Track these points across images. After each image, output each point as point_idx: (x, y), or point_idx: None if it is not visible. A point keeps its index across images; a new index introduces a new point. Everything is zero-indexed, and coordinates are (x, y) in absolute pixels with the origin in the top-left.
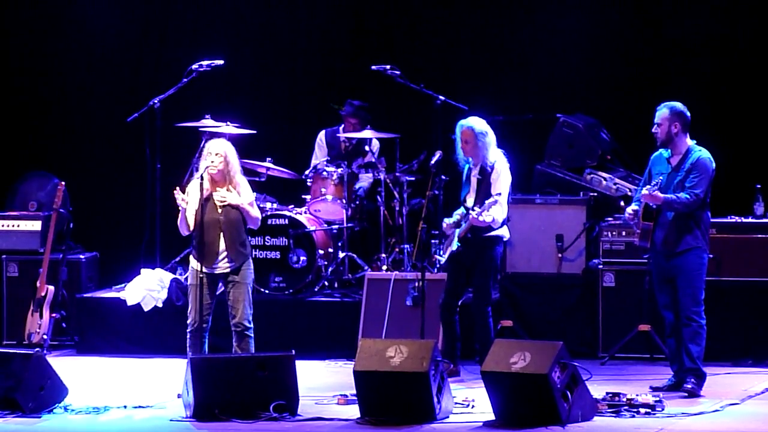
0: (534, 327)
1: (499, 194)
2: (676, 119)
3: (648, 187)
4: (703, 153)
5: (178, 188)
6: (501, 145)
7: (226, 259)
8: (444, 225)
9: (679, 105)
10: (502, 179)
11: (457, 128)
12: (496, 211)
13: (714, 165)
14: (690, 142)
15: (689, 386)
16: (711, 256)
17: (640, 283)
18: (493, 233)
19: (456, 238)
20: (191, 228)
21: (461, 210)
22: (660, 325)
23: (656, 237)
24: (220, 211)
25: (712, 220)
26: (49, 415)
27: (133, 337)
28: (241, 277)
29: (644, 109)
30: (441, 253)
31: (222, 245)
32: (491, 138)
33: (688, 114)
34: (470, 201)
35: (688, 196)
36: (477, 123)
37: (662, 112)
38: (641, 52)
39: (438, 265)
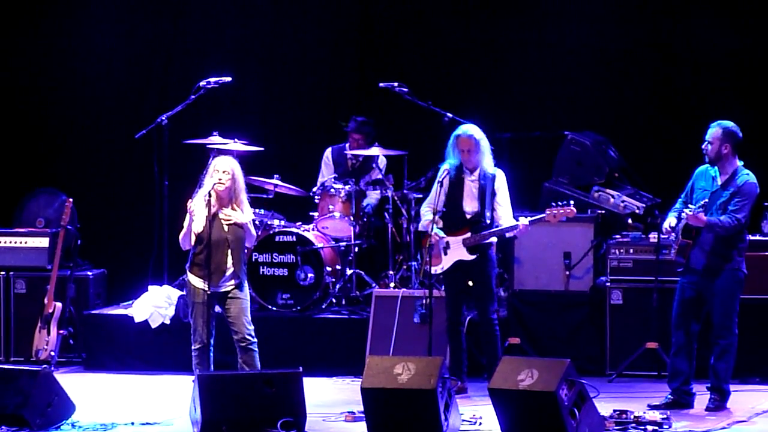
0: (541, 344)
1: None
2: (727, 140)
3: (693, 207)
4: (750, 177)
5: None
6: (509, 162)
7: (232, 278)
8: (437, 238)
9: (731, 125)
10: (506, 189)
11: (456, 137)
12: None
13: (758, 189)
14: (739, 163)
15: (712, 405)
16: (746, 273)
17: (648, 301)
18: (489, 240)
19: (465, 248)
20: (193, 244)
21: (430, 216)
22: (666, 343)
23: (693, 256)
24: (227, 229)
25: None
26: (56, 431)
27: (140, 353)
28: (242, 294)
29: (652, 127)
30: (427, 259)
31: (230, 263)
32: (487, 143)
33: (740, 134)
34: (469, 207)
35: (730, 220)
36: (476, 130)
37: (714, 130)
38: (649, 69)
39: (435, 276)
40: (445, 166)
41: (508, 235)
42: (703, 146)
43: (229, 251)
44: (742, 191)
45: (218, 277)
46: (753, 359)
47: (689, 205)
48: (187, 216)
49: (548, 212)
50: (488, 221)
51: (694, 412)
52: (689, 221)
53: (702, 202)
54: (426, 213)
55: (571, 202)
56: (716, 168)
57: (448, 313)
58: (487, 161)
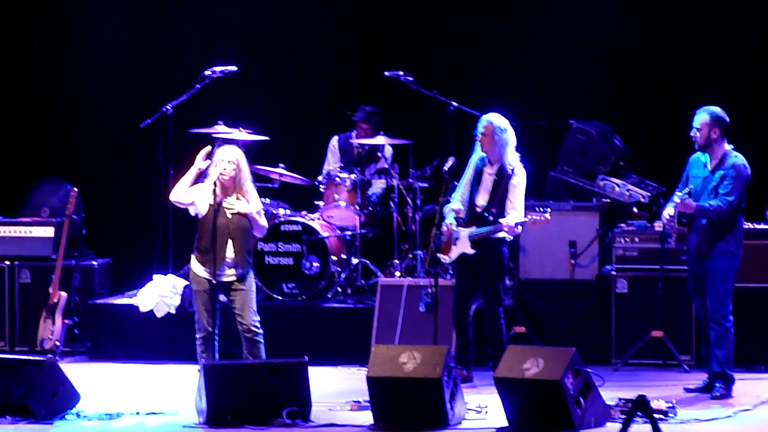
0: (547, 333)
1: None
2: (716, 125)
3: (679, 194)
4: (738, 159)
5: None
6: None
7: (233, 267)
8: (445, 228)
9: (718, 110)
10: (521, 189)
11: (479, 121)
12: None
13: (749, 171)
14: (727, 147)
15: (718, 393)
16: (740, 257)
17: (653, 290)
18: (498, 235)
19: (469, 242)
20: (183, 197)
21: (454, 205)
22: (671, 332)
23: (690, 241)
24: (230, 216)
25: None
26: (61, 421)
27: (145, 343)
28: (246, 285)
29: (657, 115)
30: (440, 248)
31: (230, 251)
32: (509, 136)
33: (727, 119)
34: (481, 200)
35: (720, 204)
36: (496, 118)
37: (702, 116)
38: (654, 58)
39: (444, 264)
40: (476, 156)
41: (501, 234)
42: (691, 133)
43: (230, 240)
44: (731, 174)
45: (218, 265)
46: (758, 347)
47: (677, 192)
48: (192, 168)
49: (529, 218)
50: (491, 218)
51: (700, 401)
52: (679, 208)
53: (687, 189)
54: (453, 200)
55: (549, 209)
56: (707, 154)
57: (454, 304)
58: (510, 156)
